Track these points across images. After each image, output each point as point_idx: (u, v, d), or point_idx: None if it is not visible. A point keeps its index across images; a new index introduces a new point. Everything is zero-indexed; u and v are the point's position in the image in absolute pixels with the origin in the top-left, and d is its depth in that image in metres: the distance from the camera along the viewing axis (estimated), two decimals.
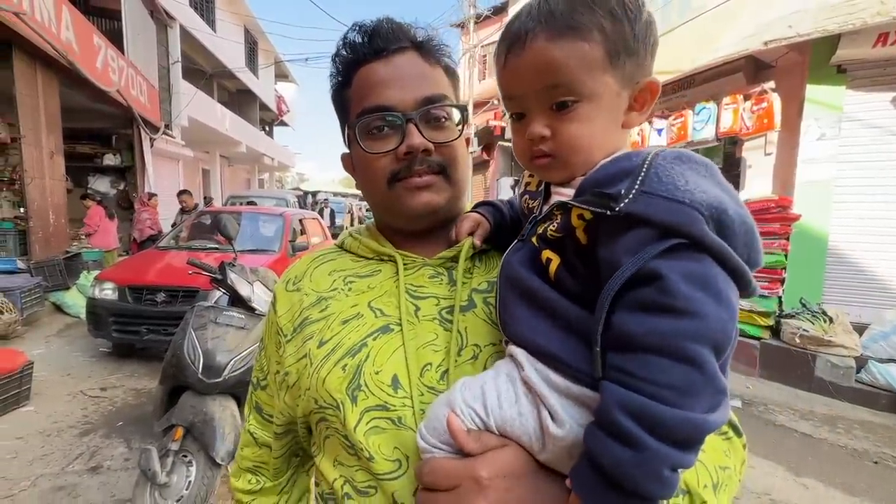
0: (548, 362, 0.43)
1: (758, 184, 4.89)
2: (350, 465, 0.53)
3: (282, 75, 21.42)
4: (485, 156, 12.75)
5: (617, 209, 0.38)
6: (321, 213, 11.35)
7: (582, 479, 0.37)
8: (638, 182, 0.38)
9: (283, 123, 23.56)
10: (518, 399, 0.44)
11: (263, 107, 18.94)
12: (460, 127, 0.61)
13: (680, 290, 0.35)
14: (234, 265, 2.59)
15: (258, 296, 2.58)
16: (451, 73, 0.64)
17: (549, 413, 0.42)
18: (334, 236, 7.34)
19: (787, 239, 4.25)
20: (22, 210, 5.88)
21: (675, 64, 5.44)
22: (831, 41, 4.11)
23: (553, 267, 0.45)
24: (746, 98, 4.71)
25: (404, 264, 0.61)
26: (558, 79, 0.44)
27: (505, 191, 10.37)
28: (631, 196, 0.38)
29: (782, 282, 4.30)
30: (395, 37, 0.59)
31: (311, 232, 6.16)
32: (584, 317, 0.42)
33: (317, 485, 0.62)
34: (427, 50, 0.61)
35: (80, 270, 5.98)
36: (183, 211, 7.19)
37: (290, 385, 0.60)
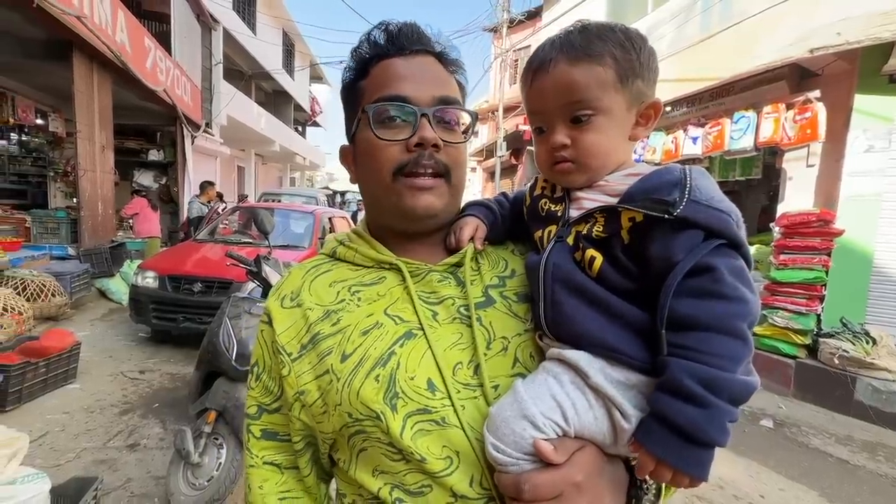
0: (605, 355, 0.49)
1: (798, 196, 4.70)
2: (397, 470, 0.53)
3: (316, 77, 21.98)
4: (513, 160, 12.70)
5: (675, 214, 0.45)
6: (355, 215, 10.92)
7: (655, 439, 0.44)
8: (687, 192, 0.46)
9: (315, 124, 24.16)
10: (591, 406, 0.49)
11: (297, 107, 19.48)
12: (466, 133, 0.63)
13: (728, 280, 0.44)
14: (268, 259, 2.70)
15: None
16: (461, 88, 0.67)
17: (620, 412, 0.47)
18: None
19: (829, 255, 4.07)
20: (74, 200, 6.27)
21: (713, 71, 5.30)
22: (883, 49, 3.92)
23: (597, 264, 0.51)
24: (789, 107, 4.55)
25: (409, 272, 0.61)
26: (577, 96, 0.53)
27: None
28: (684, 204, 0.46)
29: (821, 299, 4.12)
30: (417, 40, 0.62)
31: (339, 230, 6.30)
32: (633, 309, 0.49)
33: (344, 496, 0.61)
34: (447, 60, 0.64)
35: (124, 259, 6.31)
36: (208, 203, 7.51)
37: (309, 404, 0.58)
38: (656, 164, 0.54)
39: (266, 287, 2.64)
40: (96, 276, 5.78)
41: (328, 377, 0.57)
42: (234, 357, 2.30)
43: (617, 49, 0.53)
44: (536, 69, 0.56)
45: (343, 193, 20.27)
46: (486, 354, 0.55)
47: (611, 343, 0.48)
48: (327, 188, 21.02)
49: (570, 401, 0.49)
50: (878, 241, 4.18)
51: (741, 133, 4.94)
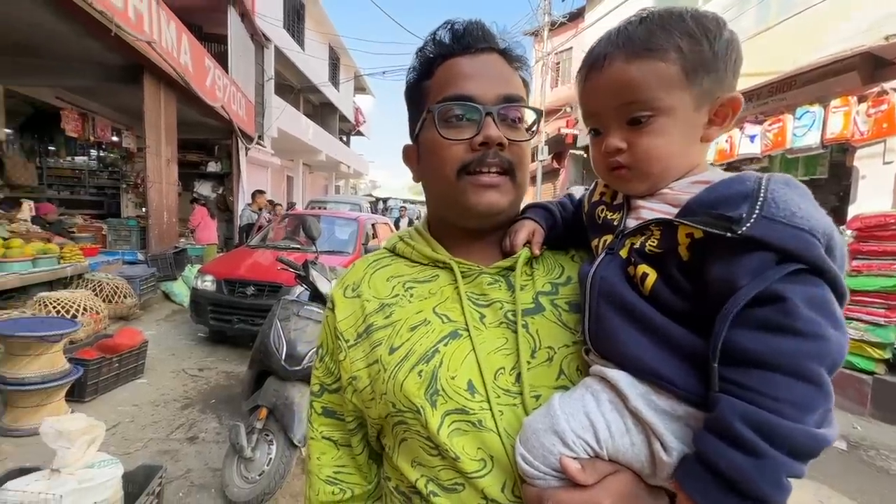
0: (650, 382, 0.45)
1: (873, 196, 4.30)
2: (433, 465, 0.55)
3: (360, 88, 22.71)
4: (555, 164, 12.49)
5: (739, 232, 0.39)
6: (397, 222, 10.99)
7: (695, 482, 0.39)
8: (758, 206, 0.40)
9: (359, 133, 24.93)
10: (628, 430, 0.45)
11: (342, 118, 20.20)
12: (531, 131, 0.63)
13: (802, 313, 0.37)
14: (315, 264, 2.82)
15: None
16: (525, 85, 0.66)
17: (661, 443, 0.43)
18: None
19: None
20: (143, 210, 6.82)
21: (772, 65, 4.97)
22: None
23: (650, 282, 0.46)
24: (861, 100, 4.19)
25: (461, 272, 0.61)
26: (634, 95, 0.48)
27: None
28: (752, 220, 0.39)
29: None
30: (482, 37, 0.61)
31: (381, 236, 6.46)
32: (686, 334, 0.44)
33: (388, 479, 0.63)
34: (511, 57, 0.63)
35: (185, 264, 6.78)
36: (258, 211, 7.93)
37: (360, 389, 0.61)
38: (736, 171, 0.47)
39: (313, 290, 2.75)
40: (161, 280, 6.26)
41: (377, 367, 0.59)
42: (283, 357, 2.41)
43: (684, 40, 0.46)
44: (591, 66, 0.51)
45: (385, 200, 20.75)
46: (529, 363, 0.54)
47: (657, 369, 0.44)
48: (370, 195, 21.57)
49: (605, 422, 0.46)
50: None
51: (805, 129, 4.61)
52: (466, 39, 0.61)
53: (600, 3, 9.30)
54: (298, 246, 5.37)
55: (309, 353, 2.45)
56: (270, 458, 2.28)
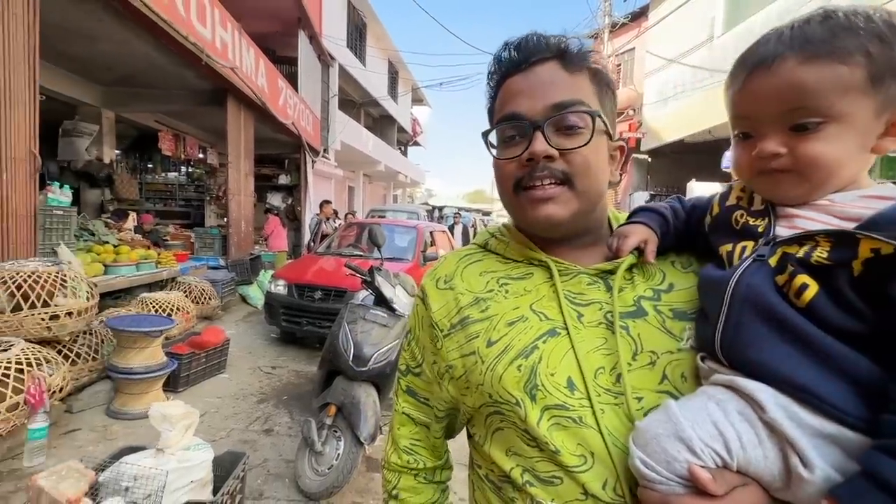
0: (798, 397, 0.43)
1: None
2: (529, 455, 0.56)
3: (417, 100, 23.39)
4: None
5: None
6: (451, 228, 10.72)
7: (862, 500, 0.38)
8: None
9: (416, 143, 25.62)
10: (762, 441, 0.44)
11: (400, 129, 20.89)
12: (590, 134, 0.58)
13: None
14: (380, 270, 2.95)
15: (399, 298, 2.89)
16: (599, 77, 0.62)
17: (800, 458, 0.41)
18: None
19: None
20: (224, 220, 7.50)
21: None
22: None
23: (809, 294, 0.44)
24: None
25: (559, 270, 0.61)
26: (804, 101, 0.45)
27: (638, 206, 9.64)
28: None
29: None
30: (536, 49, 0.60)
31: (439, 243, 6.58)
32: (848, 352, 0.42)
33: (478, 467, 0.65)
34: (569, 58, 0.60)
35: (260, 269, 7.35)
36: (325, 219, 8.37)
37: (456, 377, 0.63)
38: None
39: (378, 295, 2.88)
40: (239, 284, 6.82)
41: (473, 358, 0.61)
42: (351, 358, 2.55)
43: (874, 43, 0.43)
44: (755, 66, 0.48)
45: (441, 208, 21.07)
46: (630, 364, 0.54)
47: (812, 387, 0.42)
48: (426, 203, 22.03)
49: (736, 432, 0.44)
50: None
51: None
52: (521, 55, 0.61)
53: (664, 2, 8.90)
54: (361, 253, 5.62)
55: (375, 355, 2.56)
56: (339, 454, 2.41)
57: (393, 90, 18.70)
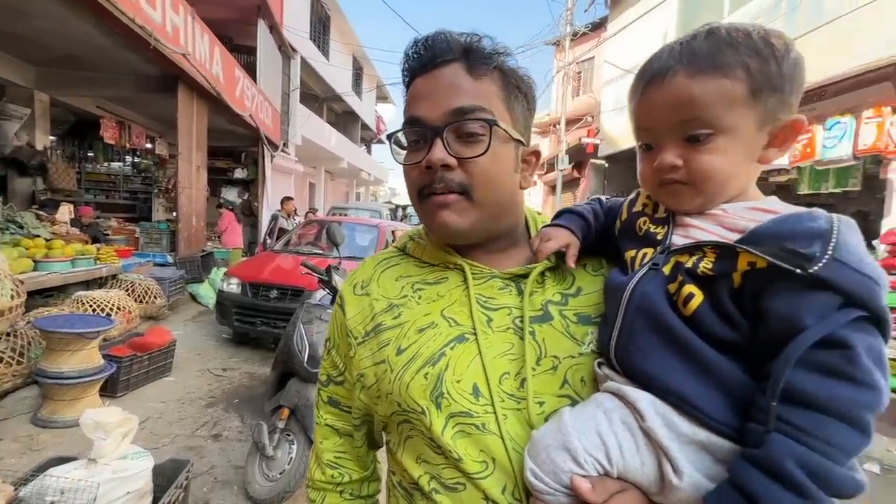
0: (675, 404, 0.44)
1: None
2: (436, 463, 0.56)
3: (382, 97, 23.11)
4: (576, 173, 12.42)
5: (811, 271, 0.39)
6: None
7: None
8: (830, 248, 0.40)
9: (380, 141, 25.30)
10: (639, 449, 0.46)
11: (364, 126, 20.56)
12: (488, 143, 0.56)
13: (864, 363, 0.38)
14: (338, 269, 2.89)
15: None
16: (508, 80, 0.60)
17: (671, 465, 0.43)
18: None
19: None
20: (174, 214, 7.10)
21: None
22: None
23: (694, 304, 0.45)
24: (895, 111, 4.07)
25: (472, 274, 0.61)
26: (694, 113, 0.47)
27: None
28: (825, 261, 0.39)
29: None
30: (441, 50, 0.59)
31: None
32: (724, 362, 0.44)
33: (392, 473, 0.65)
34: (475, 60, 0.58)
35: (212, 266, 7.01)
36: (287, 216, 8.09)
37: (367, 386, 0.63)
38: (763, 183, 0.46)
39: (336, 295, 2.82)
40: (189, 282, 6.47)
41: (384, 366, 0.60)
42: (306, 359, 2.48)
43: (752, 58, 0.45)
44: (649, 80, 0.50)
45: (405, 207, 20.94)
46: (534, 370, 0.55)
47: (686, 393, 0.44)
48: (390, 202, 21.84)
49: (617, 441, 0.46)
50: None
51: (836, 141, 4.50)
52: (426, 55, 0.59)
53: (622, 15, 9.28)
54: (320, 251, 5.49)
55: None
56: (291, 458, 2.35)
57: (357, 86, 18.37)
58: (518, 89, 0.61)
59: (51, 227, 5.21)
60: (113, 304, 4.14)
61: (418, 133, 0.59)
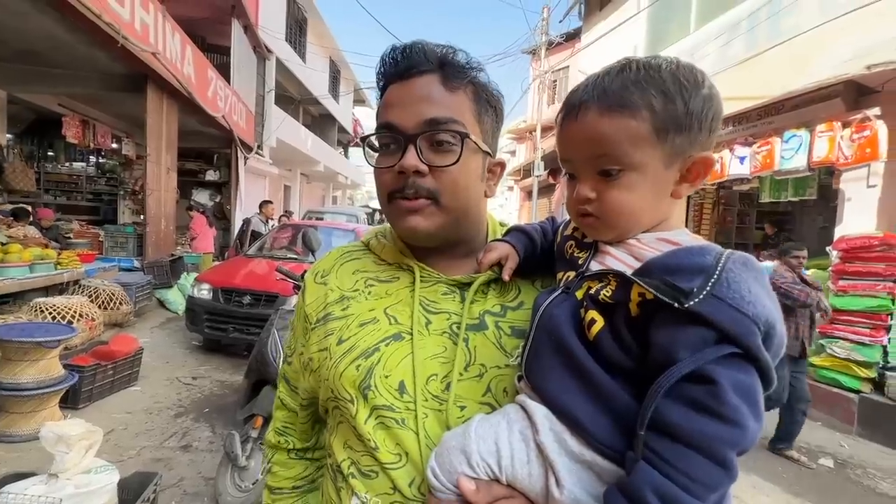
0: (568, 424, 0.46)
1: (858, 218, 4.43)
2: (357, 450, 0.59)
3: (359, 100, 22.96)
4: (551, 180, 12.66)
5: (686, 305, 0.40)
6: None
7: None
8: (710, 284, 0.41)
9: (357, 145, 25.10)
10: (530, 460, 0.47)
11: (341, 129, 20.38)
12: (459, 153, 0.59)
13: (730, 400, 0.39)
14: None
15: None
16: (479, 95, 0.63)
17: (555, 477, 0.45)
18: None
19: (895, 281, 3.80)
20: (141, 217, 6.84)
21: (762, 89, 5.14)
22: None
23: (595, 329, 0.47)
24: (845, 125, 4.34)
25: (421, 277, 0.64)
26: (604, 149, 0.48)
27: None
28: (702, 297, 0.40)
29: (888, 329, 3.82)
30: (418, 60, 0.60)
31: None
32: (614, 388, 0.45)
33: (328, 455, 0.68)
34: (450, 73, 0.61)
35: (181, 272, 6.79)
36: (265, 220, 7.94)
37: (313, 370, 0.67)
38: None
39: None
40: (157, 287, 6.25)
41: (325, 353, 0.64)
42: (280, 366, 2.44)
43: (657, 98, 0.46)
44: (566, 114, 0.52)
45: (382, 211, 20.79)
46: (461, 375, 0.58)
47: (577, 415, 0.45)
48: (367, 206, 21.67)
49: (510, 450, 0.48)
50: None
51: (793, 152, 4.75)
52: (403, 64, 0.61)
53: (595, 26, 9.56)
54: (296, 256, 5.40)
55: None
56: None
57: (334, 89, 18.21)
58: (488, 104, 0.64)
59: (6, 230, 4.96)
60: (75, 311, 3.96)
61: (391, 138, 0.61)
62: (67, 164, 10.58)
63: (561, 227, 0.63)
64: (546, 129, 12.70)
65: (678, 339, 0.41)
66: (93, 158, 10.86)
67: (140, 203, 7.06)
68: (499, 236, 0.69)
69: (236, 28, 9.22)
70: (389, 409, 0.57)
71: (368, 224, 11.22)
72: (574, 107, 0.50)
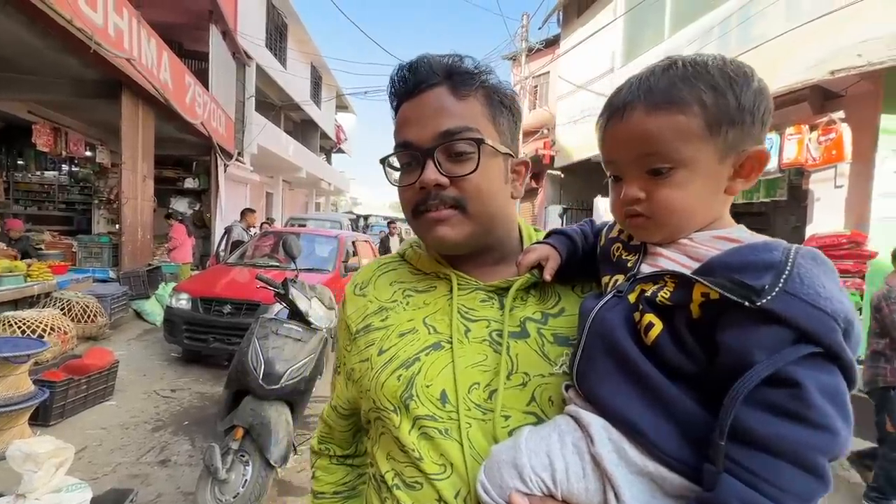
0: (627, 433, 0.44)
1: (827, 217, 4.59)
2: (400, 461, 0.59)
3: (342, 106, 22.88)
4: (533, 184, 12.79)
5: (759, 304, 0.37)
6: (384, 242, 9.14)
7: None
8: (782, 280, 0.38)
9: (340, 151, 25.00)
10: (585, 474, 0.45)
11: (324, 135, 20.24)
12: (477, 160, 0.59)
13: (816, 402, 0.36)
14: (295, 282, 2.83)
15: (315, 311, 2.79)
16: (492, 97, 0.63)
17: (614, 491, 0.42)
18: None
19: (862, 278, 3.94)
20: (117, 226, 6.66)
21: None
22: None
23: (654, 333, 0.44)
24: (812, 128, 4.51)
25: (458, 285, 0.64)
26: (653, 148, 0.46)
27: (553, 218, 10.30)
28: (774, 293, 0.38)
29: None
30: (426, 75, 0.61)
31: (362, 253, 6.47)
32: (679, 395, 0.42)
33: (370, 464, 0.69)
34: (458, 81, 0.61)
35: (159, 282, 6.63)
36: (247, 228, 7.78)
37: (355, 380, 0.68)
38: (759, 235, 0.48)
39: (293, 309, 2.75)
40: (133, 298, 6.09)
41: (366, 364, 0.65)
42: (261, 376, 2.40)
43: (708, 93, 0.45)
44: (611, 115, 0.50)
45: (366, 217, 20.70)
46: (504, 384, 0.56)
47: (640, 425, 0.43)
48: (351, 212, 21.52)
49: (565, 463, 0.46)
50: None
51: None
52: (411, 81, 0.62)
53: (574, 32, 9.74)
54: (277, 263, 5.33)
55: (287, 372, 2.44)
56: (246, 480, 2.25)
57: (316, 95, 18.10)
58: (502, 104, 0.64)
59: None
60: (46, 325, 3.83)
61: (410, 156, 0.62)
62: (38, 172, 10.25)
63: (605, 230, 0.61)
64: (528, 134, 12.84)
65: (752, 341, 0.38)
66: (65, 167, 10.54)
67: (115, 212, 6.87)
68: (534, 241, 0.68)
69: (214, 34, 9.10)
70: (432, 419, 0.57)
71: (353, 230, 11.14)
72: (619, 108, 0.49)
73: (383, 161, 0.66)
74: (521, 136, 0.69)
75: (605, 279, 0.55)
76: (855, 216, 4.41)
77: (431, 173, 0.59)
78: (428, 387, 0.58)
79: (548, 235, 0.66)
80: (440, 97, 0.61)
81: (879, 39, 3.86)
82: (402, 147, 0.62)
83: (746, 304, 0.38)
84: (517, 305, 0.62)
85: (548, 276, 0.60)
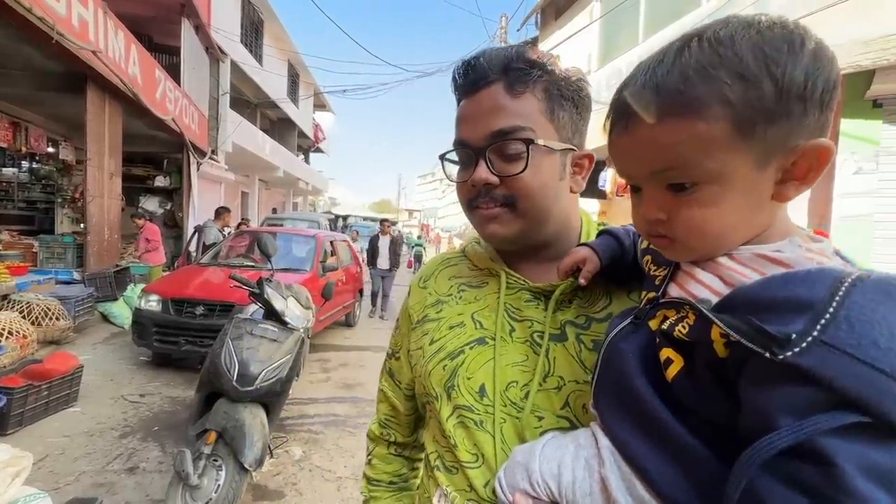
0: (634, 471, 0.40)
1: (793, 216, 4.74)
2: (442, 445, 0.63)
3: (320, 105, 22.55)
4: None
5: (780, 357, 0.30)
6: (376, 240, 8.01)
7: None
8: (819, 326, 0.29)
9: (318, 150, 24.63)
10: (592, 493, 0.43)
11: (301, 134, 19.91)
12: (527, 160, 0.58)
13: (856, 488, 0.27)
14: (270, 281, 2.76)
15: (291, 310, 2.73)
16: (551, 91, 0.60)
17: None
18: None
19: None
20: (81, 226, 6.38)
21: None
22: (865, 76, 4.09)
23: (673, 370, 0.38)
24: None
25: (507, 283, 0.65)
26: (668, 162, 0.38)
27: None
28: (805, 344, 0.29)
29: None
30: (482, 73, 0.60)
31: (340, 253, 6.39)
32: (693, 445, 0.36)
33: (424, 448, 0.74)
34: (514, 78, 0.59)
35: (127, 283, 6.37)
36: (222, 228, 7.54)
37: (412, 366, 0.73)
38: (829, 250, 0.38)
39: (268, 309, 2.69)
40: (100, 301, 5.83)
41: (420, 353, 0.69)
42: (235, 377, 2.33)
43: (733, 85, 0.34)
44: (615, 121, 0.42)
45: (345, 217, 20.48)
46: (540, 385, 0.58)
47: (646, 465, 0.39)
48: (329, 212, 21.24)
49: (573, 476, 0.45)
50: (874, 261, 4.23)
51: None
52: (468, 79, 0.62)
53: (552, 35, 9.88)
54: (252, 264, 5.21)
55: (262, 373, 2.38)
56: (219, 485, 2.18)
57: (293, 93, 17.79)
58: (562, 97, 0.61)
59: None
60: (3, 329, 3.64)
61: (464, 154, 0.64)
62: None
63: (642, 238, 0.56)
64: None
65: (775, 398, 0.30)
66: (25, 164, 10.03)
67: (80, 211, 6.56)
68: (592, 238, 0.65)
69: (186, 28, 8.83)
70: (469, 410, 0.60)
71: (331, 230, 10.98)
72: (623, 113, 0.40)
73: (442, 157, 0.69)
74: (587, 126, 0.66)
75: (643, 294, 0.49)
76: (817, 216, 4.61)
77: (482, 172, 0.60)
78: (469, 379, 0.61)
79: (599, 235, 0.63)
80: (495, 96, 0.60)
81: (840, 46, 4.05)
82: (458, 145, 0.64)
83: (766, 354, 0.30)
84: (561, 308, 0.62)
85: (582, 281, 0.58)
